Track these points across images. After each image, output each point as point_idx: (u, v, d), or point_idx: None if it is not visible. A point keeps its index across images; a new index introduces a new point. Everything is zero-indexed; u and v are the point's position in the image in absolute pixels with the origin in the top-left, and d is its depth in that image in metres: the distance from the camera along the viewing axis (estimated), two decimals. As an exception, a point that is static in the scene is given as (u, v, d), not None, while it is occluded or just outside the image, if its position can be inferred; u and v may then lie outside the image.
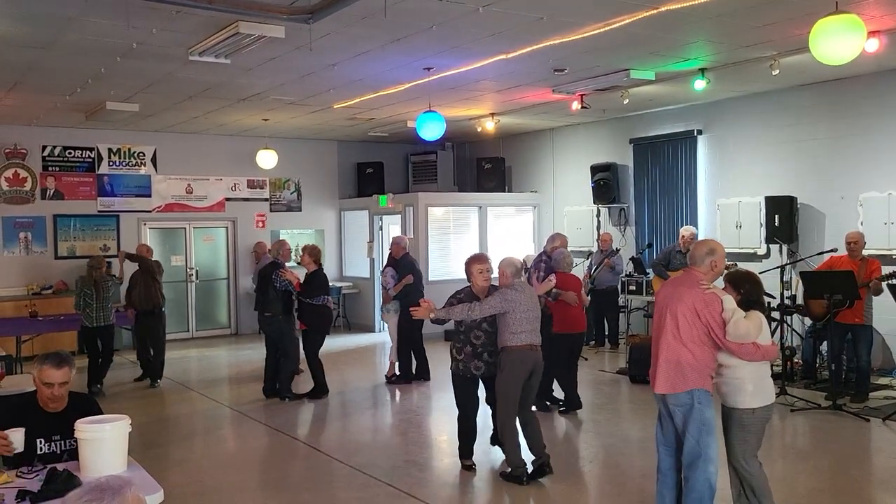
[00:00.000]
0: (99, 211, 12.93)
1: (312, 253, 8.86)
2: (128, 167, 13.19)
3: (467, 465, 6.19)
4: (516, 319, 5.75)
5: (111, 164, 13.04)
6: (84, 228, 12.81)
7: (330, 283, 9.21)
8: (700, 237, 10.72)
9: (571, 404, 7.87)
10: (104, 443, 3.53)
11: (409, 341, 9.52)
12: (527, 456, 5.92)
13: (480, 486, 5.92)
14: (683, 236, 10.57)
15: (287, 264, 9.26)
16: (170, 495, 4.41)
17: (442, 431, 7.44)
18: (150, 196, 13.35)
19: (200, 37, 6.87)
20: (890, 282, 7.50)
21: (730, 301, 4.31)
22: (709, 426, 4.38)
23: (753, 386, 4.32)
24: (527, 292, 5.92)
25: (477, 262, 6.08)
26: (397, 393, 9.21)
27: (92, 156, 12.88)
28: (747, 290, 4.37)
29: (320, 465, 6.41)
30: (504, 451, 5.98)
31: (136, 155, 13.24)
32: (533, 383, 5.93)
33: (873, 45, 7.11)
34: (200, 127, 12.71)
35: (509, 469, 5.88)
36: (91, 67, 8.19)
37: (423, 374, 9.57)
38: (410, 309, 6.07)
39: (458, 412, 6.22)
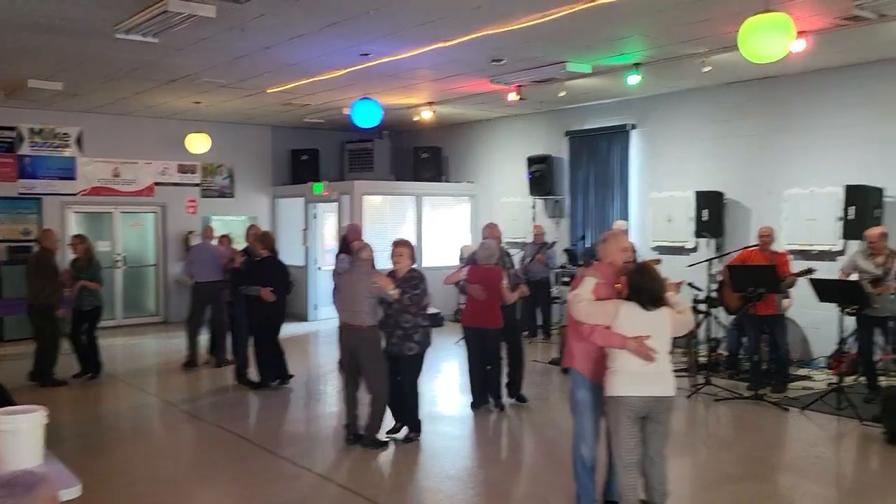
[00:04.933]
0: (20, 193, 12.41)
1: (263, 240, 8.56)
2: (51, 148, 12.68)
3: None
4: (339, 300, 6.58)
5: (32, 144, 12.51)
6: (4, 211, 12.28)
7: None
8: (631, 231, 10.92)
9: (478, 400, 7.62)
10: (18, 435, 3.37)
11: None
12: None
13: (417, 476, 5.91)
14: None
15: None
16: (96, 487, 4.26)
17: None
18: (74, 179, 12.88)
19: (127, 13, 6.61)
20: (809, 277, 7.77)
21: (587, 282, 4.46)
22: (577, 406, 4.66)
23: (611, 374, 4.41)
24: (352, 275, 6.43)
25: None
26: (336, 382, 9.12)
27: (12, 136, 12.34)
28: (630, 280, 4.46)
29: (250, 457, 6.28)
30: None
31: (59, 136, 12.74)
32: (359, 361, 6.39)
33: (800, 46, 7.32)
34: (129, 108, 12.31)
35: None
36: (10, 41, 7.81)
37: None
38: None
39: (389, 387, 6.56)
